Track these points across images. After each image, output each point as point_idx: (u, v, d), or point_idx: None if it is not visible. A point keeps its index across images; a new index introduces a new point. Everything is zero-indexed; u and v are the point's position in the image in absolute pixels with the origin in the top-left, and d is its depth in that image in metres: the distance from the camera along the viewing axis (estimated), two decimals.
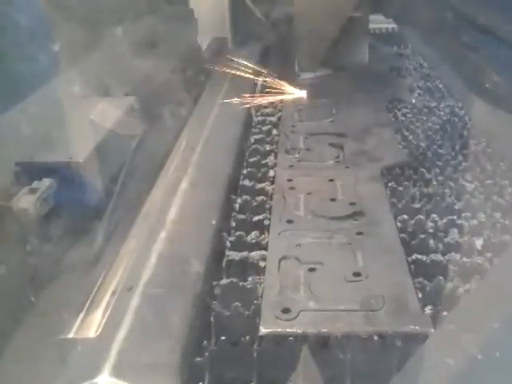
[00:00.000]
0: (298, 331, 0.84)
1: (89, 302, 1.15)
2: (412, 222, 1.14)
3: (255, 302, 0.93)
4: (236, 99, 1.70)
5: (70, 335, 1.13)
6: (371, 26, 2.10)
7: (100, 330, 1.10)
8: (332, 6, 1.78)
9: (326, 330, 0.84)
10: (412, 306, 0.88)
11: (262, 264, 1.04)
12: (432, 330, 0.83)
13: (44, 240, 1.23)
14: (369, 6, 1.88)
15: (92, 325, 1.13)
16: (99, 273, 1.20)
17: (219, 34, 3.13)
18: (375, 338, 0.83)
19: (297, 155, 1.42)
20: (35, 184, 1.29)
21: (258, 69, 1.95)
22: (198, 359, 0.87)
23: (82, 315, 1.14)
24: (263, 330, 0.85)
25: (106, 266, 1.22)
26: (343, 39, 1.86)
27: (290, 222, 1.13)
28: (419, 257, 1.04)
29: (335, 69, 1.99)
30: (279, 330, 0.85)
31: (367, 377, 0.84)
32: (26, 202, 1.22)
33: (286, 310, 0.88)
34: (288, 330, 0.85)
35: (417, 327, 0.84)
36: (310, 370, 0.82)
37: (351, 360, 0.83)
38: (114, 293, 1.06)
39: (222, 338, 0.89)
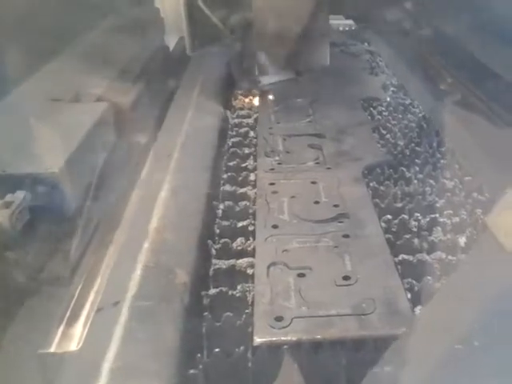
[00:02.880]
0: (293, 339, 0.83)
1: (67, 316, 1.12)
2: None
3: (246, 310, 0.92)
4: None
5: (51, 349, 1.11)
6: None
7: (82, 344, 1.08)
8: (291, 9, 1.77)
9: (320, 337, 0.83)
10: (403, 308, 0.88)
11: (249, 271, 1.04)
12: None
13: (20, 255, 1.19)
14: (328, 8, 1.88)
15: (73, 338, 1.11)
16: (78, 286, 1.17)
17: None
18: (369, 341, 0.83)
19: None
20: (9, 197, 1.24)
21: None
22: (192, 371, 0.86)
23: (61, 329, 1.12)
24: (257, 340, 0.84)
25: (85, 279, 1.20)
26: (304, 42, 1.86)
27: (275, 227, 1.12)
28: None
29: (296, 72, 1.97)
30: (274, 338, 0.84)
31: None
32: (1, 216, 1.18)
33: (278, 318, 0.87)
34: (282, 338, 0.84)
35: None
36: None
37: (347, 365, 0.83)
38: (95, 306, 1.03)
39: (215, 349, 0.87)
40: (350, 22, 2.35)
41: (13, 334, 1.18)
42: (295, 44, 1.80)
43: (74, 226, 1.28)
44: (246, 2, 1.76)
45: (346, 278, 0.95)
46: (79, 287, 1.14)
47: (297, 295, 0.92)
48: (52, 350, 1.09)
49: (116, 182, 1.43)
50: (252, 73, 1.89)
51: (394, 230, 1.14)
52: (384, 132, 1.56)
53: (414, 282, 0.97)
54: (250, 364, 0.84)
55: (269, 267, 1.00)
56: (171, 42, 3.11)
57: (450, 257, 1.04)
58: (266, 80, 1.89)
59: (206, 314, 0.93)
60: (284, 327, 0.85)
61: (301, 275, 0.97)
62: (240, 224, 1.17)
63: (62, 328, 1.13)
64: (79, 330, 1.09)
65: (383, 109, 1.72)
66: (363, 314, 0.87)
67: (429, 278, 0.97)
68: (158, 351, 0.85)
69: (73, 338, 1.09)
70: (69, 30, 2.14)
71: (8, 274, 1.19)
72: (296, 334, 0.84)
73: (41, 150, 1.34)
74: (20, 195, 1.24)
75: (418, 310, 0.91)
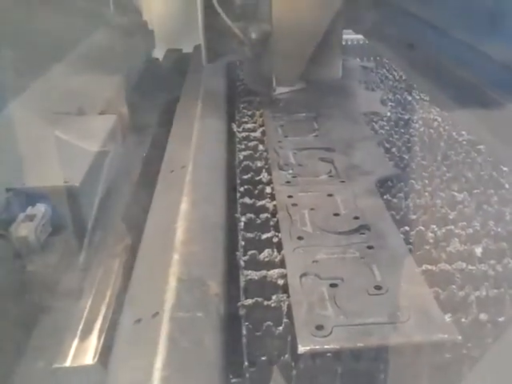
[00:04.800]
0: (336, 347, 0.87)
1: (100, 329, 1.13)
2: None
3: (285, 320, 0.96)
4: None
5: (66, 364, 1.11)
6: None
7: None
8: (310, 22, 1.83)
9: (362, 344, 0.87)
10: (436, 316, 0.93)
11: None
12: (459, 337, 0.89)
13: (47, 268, 1.19)
14: (343, 23, 1.94)
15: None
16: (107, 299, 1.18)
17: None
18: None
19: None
20: (30, 210, 1.25)
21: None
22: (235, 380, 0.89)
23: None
24: (302, 348, 0.87)
25: (112, 291, 1.20)
26: (318, 55, 1.92)
27: (300, 238, 1.16)
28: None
29: (309, 82, 2.04)
30: (317, 347, 0.87)
31: None
32: (26, 229, 1.18)
33: (319, 327, 0.90)
34: (326, 346, 0.87)
35: (445, 335, 0.89)
36: None
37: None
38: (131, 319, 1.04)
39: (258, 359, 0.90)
40: (360, 36, 2.43)
41: (34, 345, 1.18)
42: (310, 56, 1.85)
43: (96, 238, 1.29)
44: (263, 14, 1.80)
45: (377, 287, 1.00)
46: (108, 299, 1.16)
47: (333, 305, 0.96)
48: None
49: (132, 192, 1.45)
50: (268, 82, 1.93)
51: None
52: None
53: (440, 290, 1.03)
54: (294, 372, 0.88)
55: (301, 278, 1.03)
56: (159, 53, 3.16)
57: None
58: (281, 89, 1.93)
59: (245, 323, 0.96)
60: (326, 336, 0.89)
61: (333, 285, 1.01)
62: (264, 236, 1.21)
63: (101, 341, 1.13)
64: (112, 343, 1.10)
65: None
66: (400, 322, 0.91)
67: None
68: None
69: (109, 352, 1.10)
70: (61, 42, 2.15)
71: (31, 285, 1.19)
72: (339, 342, 0.88)
73: (60, 163, 1.35)
74: (41, 208, 1.25)
75: (448, 317, 0.96)
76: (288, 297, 1.01)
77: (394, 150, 1.59)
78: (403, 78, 2.15)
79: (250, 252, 1.15)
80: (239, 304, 1.01)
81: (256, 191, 1.40)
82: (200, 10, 1.78)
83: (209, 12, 1.82)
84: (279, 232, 1.20)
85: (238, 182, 1.46)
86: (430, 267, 1.09)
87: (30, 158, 1.34)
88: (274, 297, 1.02)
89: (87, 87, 1.82)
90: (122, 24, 3.06)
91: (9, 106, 1.44)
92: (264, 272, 1.08)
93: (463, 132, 1.66)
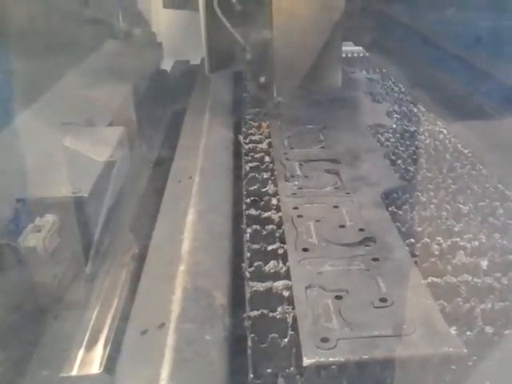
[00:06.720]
0: (341, 359, 0.87)
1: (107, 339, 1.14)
2: None
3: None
4: None
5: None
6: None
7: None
8: (310, 33, 1.83)
9: (367, 357, 0.87)
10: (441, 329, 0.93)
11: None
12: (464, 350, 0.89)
13: (55, 279, 1.20)
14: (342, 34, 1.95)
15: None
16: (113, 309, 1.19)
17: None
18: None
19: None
20: (38, 221, 1.26)
21: None
22: None
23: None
24: (307, 361, 0.87)
25: (118, 302, 1.21)
26: (318, 64, 1.92)
27: (305, 250, 1.16)
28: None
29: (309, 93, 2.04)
30: (322, 359, 0.87)
31: None
32: (34, 239, 1.19)
33: (324, 340, 0.91)
34: (331, 358, 0.87)
35: (450, 348, 0.89)
36: None
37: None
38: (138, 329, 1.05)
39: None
40: (360, 48, 2.44)
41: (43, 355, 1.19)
42: (310, 65, 1.85)
43: (103, 247, 1.30)
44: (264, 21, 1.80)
45: (382, 300, 1.00)
46: (114, 309, 1.16)
47: (338, 317, 0.96)
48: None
49: (139, 202, 1.46)
50: (269, 90, 1.93)
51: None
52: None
53: (445, 303, 1.03)
54: None
55: (306, 289, 1.04)
56: (167, 65, 3.20)
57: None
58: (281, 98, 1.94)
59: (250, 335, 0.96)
60: (331, 348, 0.89)
61: (338, 297, 1.01)
62: (270, 247, 1.21)
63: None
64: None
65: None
66: (405, 335, 0.91)
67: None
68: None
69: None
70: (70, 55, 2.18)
71: (39, 294, 1.20)
72: (344, 355, 0.88)
73: (68, 173, 1.36)
74: (49, 219, 1.27)
75: (452, 330, 0.96)
76: (293, 309, 1.02)
77: (399, 161, 1.60)
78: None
79: (255, 263, 1.15)
80: (245, 315, 1.01)
81: (262, 202, 1.41)
82: (203, 21, 1.79)
83: (212, 23, 1.83)
84: (285, 243, 1.21)
85: (245, 193, 1.47)
86: (435, 280, 1.09)
87: (38, 169, 1.35)
88: (279, 308, 1.02)
89: (96, 98, 1.84)
90: (131, 36, 3.11)
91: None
92: (269, 283, 1.09)
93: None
